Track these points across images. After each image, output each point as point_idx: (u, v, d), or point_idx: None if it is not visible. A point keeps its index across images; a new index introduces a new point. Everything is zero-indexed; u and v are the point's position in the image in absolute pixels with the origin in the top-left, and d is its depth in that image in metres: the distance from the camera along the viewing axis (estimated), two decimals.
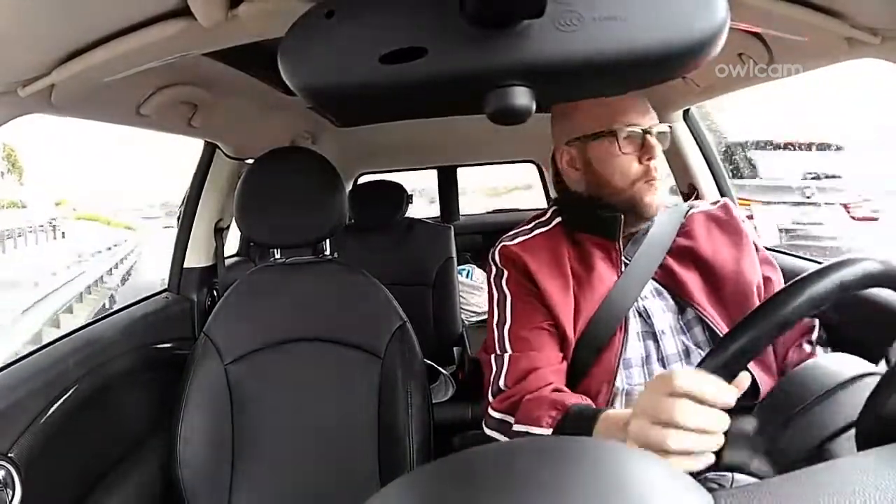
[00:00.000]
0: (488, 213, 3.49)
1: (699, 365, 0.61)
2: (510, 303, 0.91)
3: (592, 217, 0.92)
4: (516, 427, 0.83)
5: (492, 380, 0.90)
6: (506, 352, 0.89)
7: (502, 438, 0.85)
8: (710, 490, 0.34)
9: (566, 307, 0.88)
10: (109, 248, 13.88)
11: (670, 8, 0.39)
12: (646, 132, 0.88)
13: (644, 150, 0.88)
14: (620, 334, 0.87)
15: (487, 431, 0.89)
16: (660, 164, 0.89)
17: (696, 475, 0.82)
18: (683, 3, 0.39)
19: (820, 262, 1.29)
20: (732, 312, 0.87)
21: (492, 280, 0.95)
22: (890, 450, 0.38)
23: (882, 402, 0.50)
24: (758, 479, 0.61)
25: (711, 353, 0.61)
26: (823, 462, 0.39)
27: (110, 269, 10.47)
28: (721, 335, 0.83)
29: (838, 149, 4.91)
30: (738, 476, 0.76)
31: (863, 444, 0.54)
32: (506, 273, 0.93)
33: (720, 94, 1.27)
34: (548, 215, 0.98)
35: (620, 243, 0.92)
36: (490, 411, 0.88)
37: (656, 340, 0.88)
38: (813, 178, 4.22)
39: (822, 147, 4.88)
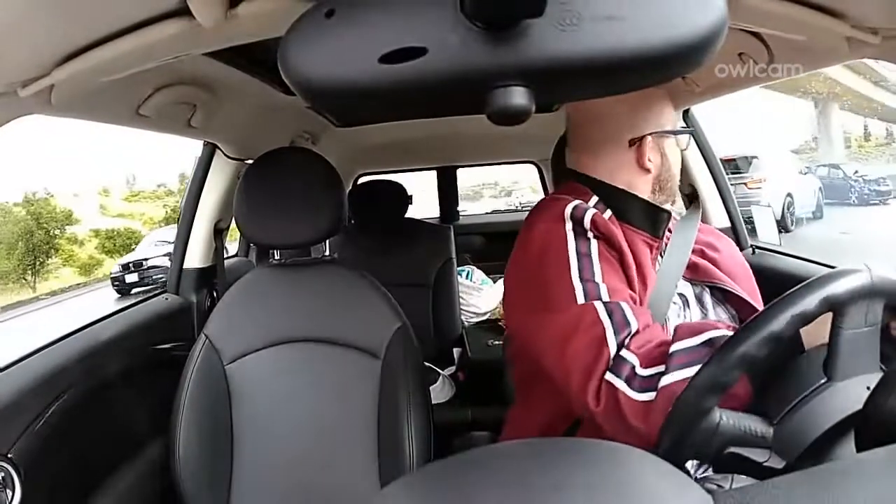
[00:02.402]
0: (488, 213, 3.49)
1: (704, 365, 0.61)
2: (600, 268, 0.82)
3: (643, 212, 0.92)
4: (672, 375, 0.69)
5: (614, 327, 0.75)
6: (609, 300, 0.78)
7: (649, 397, 0.71)
8: (710, 491, 0.34)
9: (630, 293, 0.84)
10: None
11: (670, 8, 0.39)
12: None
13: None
14: (666, 331, 0.87)
15: (636, 396, 0.71)
16: None
17: (695, 475, 0.82)
18: (683, 3, 0.39)
19: (818, 262, 1.31)
20: (748, 290, 0.96)
21: (573, 238, 0.84)
22: (890, 450, 0.38)
23: (882, 403, 0.50)
24: (758, 479, 0.61)
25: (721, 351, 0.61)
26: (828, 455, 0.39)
27: None
28: (750, 304, 0.93)
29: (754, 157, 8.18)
30: (737, 476, 0.76)
31: (863, 444, 0.54)
32: (594, 242, 0.84)
33: (720, 94, 1.27)
34: (592, 202, 0.91)
35: (663, 241, 0.94)
36: (639, 370, 0.73)
37: None
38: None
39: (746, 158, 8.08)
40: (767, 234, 1.60)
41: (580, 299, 0.78)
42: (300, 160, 1.17)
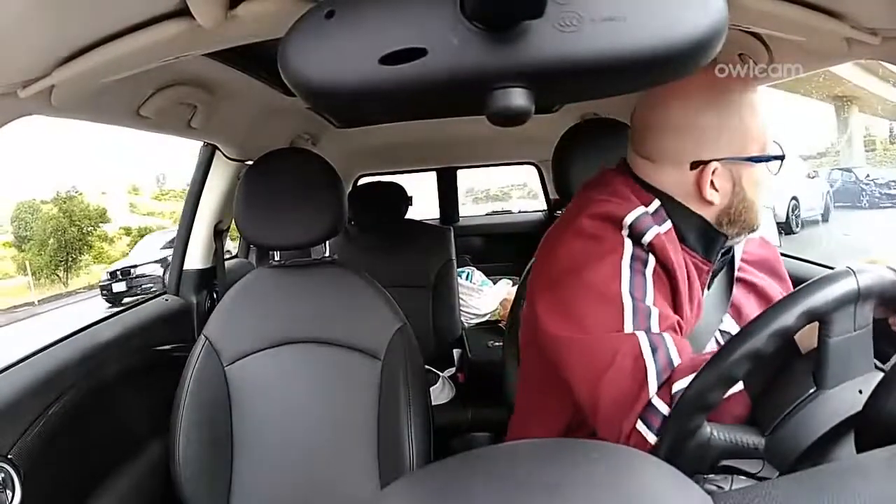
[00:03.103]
0: (488, 214, 3.49)
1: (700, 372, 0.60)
2: (652, 289, 0.75)
3: (701, 232, 0.81)
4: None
5: (657, 367, 0.69)
6: (657, 331, 0.71)
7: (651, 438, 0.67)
8: (710, 492, 0.34)
9: (678, 319, 0.76)
10: None
11: (670, 8, 0.39)
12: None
13: None
14: None
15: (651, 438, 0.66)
16: None
17: (695, 476, 0.82)
18: (683, 3, 0.39)
19: (817, 264, 1.30)
20: None
21: (631, 246, 0.76)
22: (890, 451, 0.38)
23: (882, 404, 0.50)
24: (758, 480, 0.61)
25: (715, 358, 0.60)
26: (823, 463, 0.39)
27: None
28: None
29: None
30: (737, 477, 0.76)
31: (863, 445, 0.54)
32: (651, 257, 0.76)
33: None
34: (653, 207, 0.80)
35: (713, 266, 0.83)
36: (655, 402, 0.68)
37: None
38: None
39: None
40: (767, 236, 1.60)
41: (627, 321, 0.71)
42: (300, 161, 1.17)
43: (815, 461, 0.57)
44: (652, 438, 0.66)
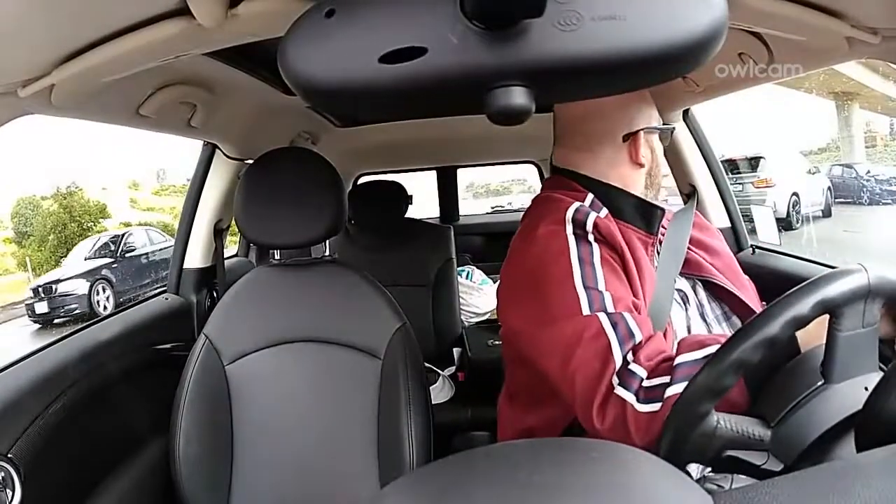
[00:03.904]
0: (488, 213, 3.49)
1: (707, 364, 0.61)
2: (602, 275, 0.82)
3: (637, 209, 0.93)
4: (678, 386, 0.70)
5: (618, 338, 0.76)
6: (614, 311, 0.78)
7: (654, 408, 0.71)
8: (710, 491, 0.34)
9: (634, 296, 0.84)
10: None
11: (670, 8, 0.38)
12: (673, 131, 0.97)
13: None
14: (670, 329, 0.88)
15: (643, 407, 0.72)
16: None
17: (700, 475, 0.82)
18: (683, 3, 0.39)
19: (818, 262, 1.31)
20: (739, 286, 0.97)
21: (575, 243, 0.84)
22: (890, 451, 0.38)
23: (882, 403, 0.50)
24: (758, 479, 0.61)
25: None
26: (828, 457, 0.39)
27: None
28: (739, 298, 0.94)
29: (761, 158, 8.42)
30: (737, 476, 0.76)
31: (863, 444, 0.54)
32: (596, 246, 0.85)
33: (720, 94, 1.27)
34: (588, 201, 0.91)
35: (657, 238, 0.94)
36: (645, 381, 0.73)
37: (699, 322, 0.95)
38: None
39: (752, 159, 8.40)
40: (767, 233, 1.60)
41: (584, 308, 0.78)
42: (300, 160, 1.17)
43: (820, 455, 0.57)
44: (631, 399, 0.72)
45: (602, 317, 0.77)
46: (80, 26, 0.66)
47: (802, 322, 0.58)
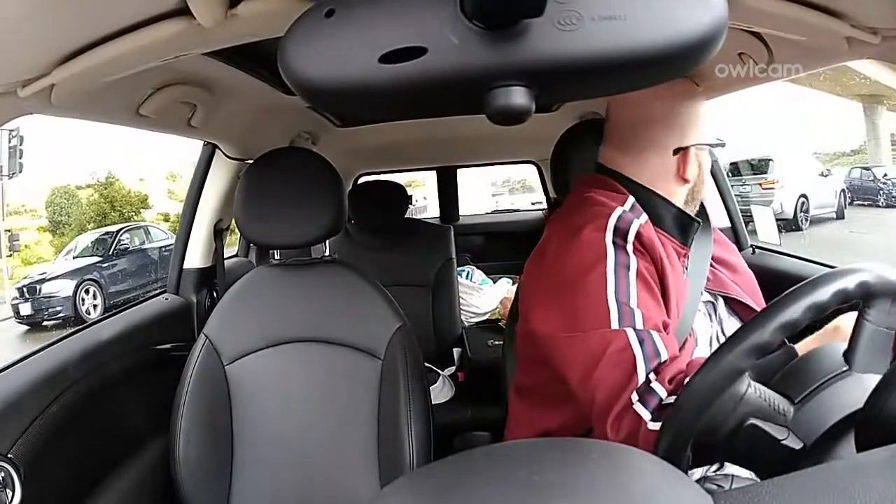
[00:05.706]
0: (488, 213, 3.49)
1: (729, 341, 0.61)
2: (636, 291, 0.81)
3: (676, 220, 0.93)
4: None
5: (644, 356, 0.76)
6: (642, 328, 0.78)
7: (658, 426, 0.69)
8: (710, 491, 0.34)
9: (666, 307, 0.85)
10: None
11: (670, 8, 0.39)
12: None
13: None
14: (691, 339, 0.89)
15: (654, 426, 0.71)
16: None
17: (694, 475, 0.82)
18: (683, 2, 0.39)
19: (818, 263, 1.31)
20: (759, 305, 0.97)
21: (613, 253, 0.83)
22: (890, 451, 0.38)
23: (882, 403, 0.50)
24: (758, 479, 0.61)
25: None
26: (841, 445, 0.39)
27: None
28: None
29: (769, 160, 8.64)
30: (737, 477, 0.76)
31: (863, 444, 0.54)
32: (633, 259, 0.84)
33: (720, 94, 1.26)
34: (629, 204, 0.90)
35: (689, 249, 0.95)
36: (664, 401, 0.73)
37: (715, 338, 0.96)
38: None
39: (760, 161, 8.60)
40: (767, 234, 1.60)
41: (614, 322, 0.78)
42: (300, 160, 1.17)
43: (838, 438, 0.57)
44: (647, 416, 0.72)
45: (630, 332, 0.77)
46: (80, 26, 0.66)
47: (824, 309, 0.58)
